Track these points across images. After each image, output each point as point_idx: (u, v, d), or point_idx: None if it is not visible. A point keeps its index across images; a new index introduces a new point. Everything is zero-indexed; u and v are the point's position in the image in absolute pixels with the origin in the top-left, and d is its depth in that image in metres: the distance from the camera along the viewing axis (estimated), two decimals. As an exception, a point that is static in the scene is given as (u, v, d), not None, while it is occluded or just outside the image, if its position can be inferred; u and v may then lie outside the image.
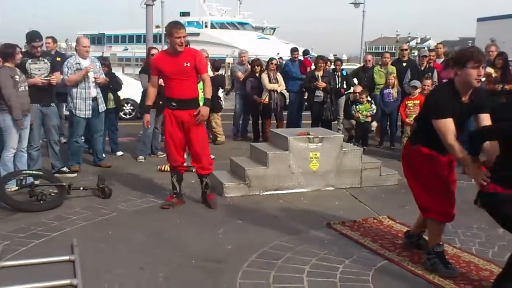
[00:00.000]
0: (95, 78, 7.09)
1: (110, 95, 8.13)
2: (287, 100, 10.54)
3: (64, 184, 5.81)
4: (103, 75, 7.41)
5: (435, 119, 3.72)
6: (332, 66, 10.91)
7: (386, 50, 48.39)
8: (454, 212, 3.96)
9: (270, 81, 9.71)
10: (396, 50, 46.86)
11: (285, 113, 10.44)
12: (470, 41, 46.08)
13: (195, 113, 5.36)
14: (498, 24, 45.50)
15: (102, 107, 7.34)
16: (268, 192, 6.25)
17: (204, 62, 5.70)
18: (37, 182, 5.93)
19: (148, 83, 5.81)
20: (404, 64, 10.03)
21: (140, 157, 8.05)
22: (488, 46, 9.03)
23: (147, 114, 5.81)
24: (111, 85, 7.98)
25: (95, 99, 7.16)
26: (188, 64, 5.29)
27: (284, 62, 13.75)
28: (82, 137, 7.52)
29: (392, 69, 9.95)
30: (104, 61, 8.39)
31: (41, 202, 5.51)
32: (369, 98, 9.55)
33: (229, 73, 14.28)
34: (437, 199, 3.92)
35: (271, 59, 10.18)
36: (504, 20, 45.84)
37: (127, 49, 51.76)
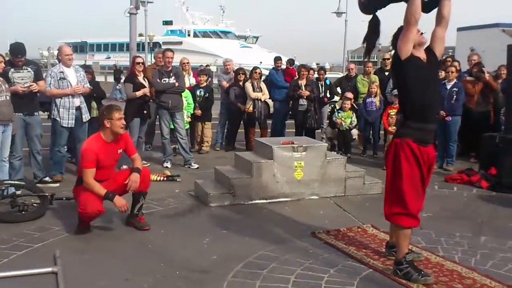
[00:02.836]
0: (75, 90, 6.94)
1: (94, 104, 8.07)
2: (271, 109, 10.57)
3: (47, 194, 5.75)
4: (88, 84, 7.33)
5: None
6: (316, 75, 10.98)
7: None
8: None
9: (254, 90, 9.73)
10: (378, 59, 47.27)
11: (269, 121, 10.46)
12: (451, 50, 46.80)
13: (126, 182, 5.11)
14: (477, 33, 46.40)
15: (86, 117, 7.20)
16: (253, 201, 6.24)
17: (131, 142, 5.49)
18: (18, 192, 5.85)
19: (85, 179, 4.99)
20: (387, 73, 10.13)
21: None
22: (470, 55, 9.47)
23: (114, 199, 4.96)
24: (95, 94, 7.92)
25: (78, 108, 7.05)
26: (120, 151, 5.28)
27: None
28: (65, 147, 7.43)
29: (375, 78, 10.06)
30: (88, 69, 8.33)
31: (23, 212, 5.44)
32: (354, 106, 9.63)
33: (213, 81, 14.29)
34: (410, 202, 3.95)
35: (254, 68, 10.21)
36: (482, 30, 46.76)
37: (109, 58, 51.58)
